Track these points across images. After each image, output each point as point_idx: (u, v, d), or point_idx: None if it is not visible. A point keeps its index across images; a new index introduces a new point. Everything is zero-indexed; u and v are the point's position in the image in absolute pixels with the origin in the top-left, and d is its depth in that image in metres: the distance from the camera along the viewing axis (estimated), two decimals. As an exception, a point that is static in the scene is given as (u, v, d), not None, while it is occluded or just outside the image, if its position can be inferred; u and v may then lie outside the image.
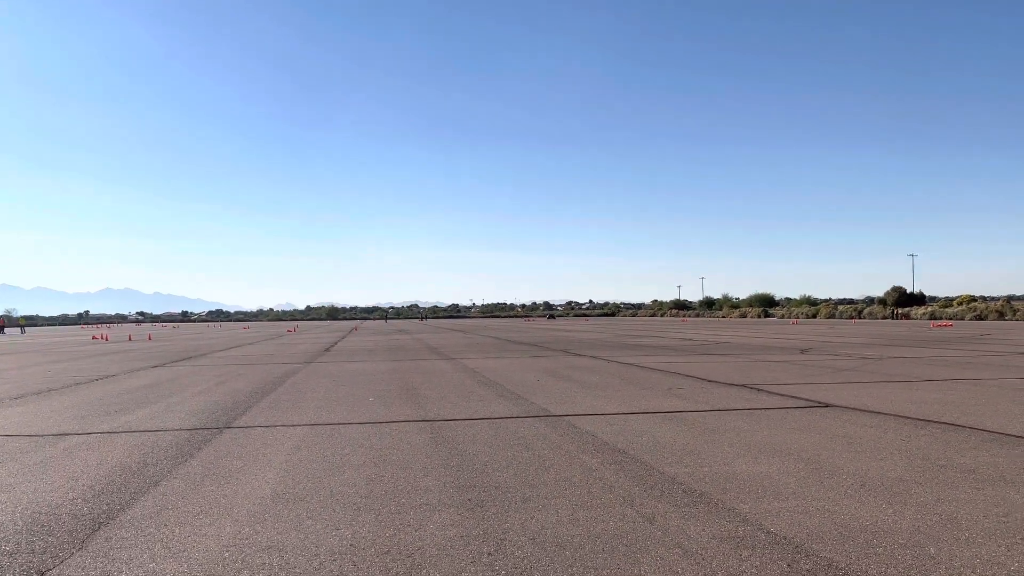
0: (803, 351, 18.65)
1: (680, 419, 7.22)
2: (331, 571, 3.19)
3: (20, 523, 3.96)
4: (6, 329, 75.84)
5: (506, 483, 4.70)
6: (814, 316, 79.42)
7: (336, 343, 27.37)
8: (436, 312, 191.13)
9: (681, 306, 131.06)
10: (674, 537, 3.57)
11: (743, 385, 10.31)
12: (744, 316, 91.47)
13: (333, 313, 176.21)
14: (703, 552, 3.35)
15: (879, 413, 7.51)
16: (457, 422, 7.22)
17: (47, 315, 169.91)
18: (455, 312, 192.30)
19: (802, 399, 8.67)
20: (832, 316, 76.97)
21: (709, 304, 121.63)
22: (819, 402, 8.38)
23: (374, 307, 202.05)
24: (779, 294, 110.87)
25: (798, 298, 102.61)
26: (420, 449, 5.87)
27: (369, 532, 3.72)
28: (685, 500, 4.23)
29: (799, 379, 11.18)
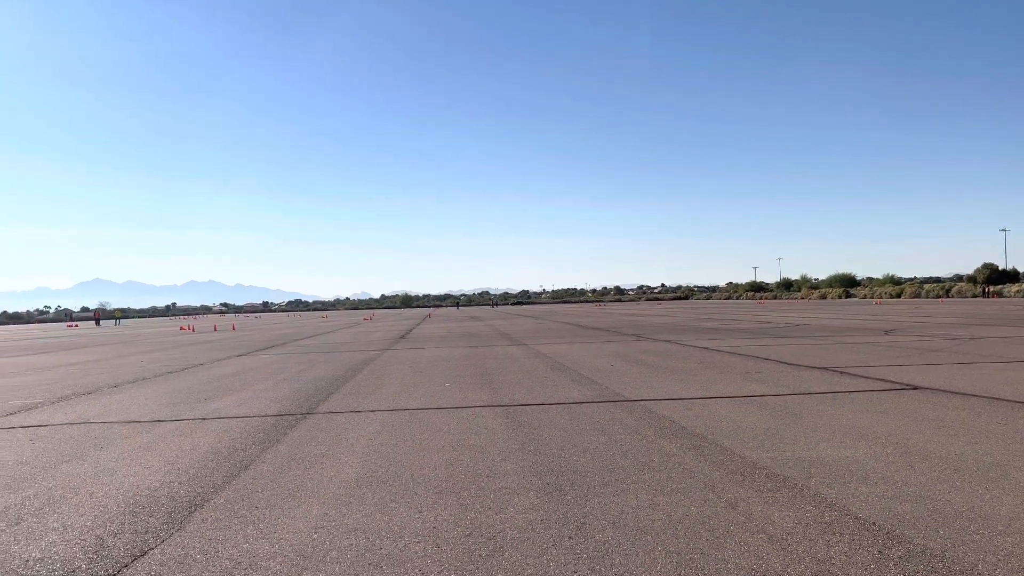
0: (887, 332, 18.01)
1: (761, 403, 7.08)
2: (416, 552, 3.26)
3: (123, 504, 4.18)
4: (101, 321, 79.93)
5: (584, 468, 4.70)
6: (898, 296, 76.50)
7: (411, 330, 27.81)
8: (506, 298, 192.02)
9: (757, 288, 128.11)
10: (758, 523, 3.50)
11: (825, 368, 10.02)
12: (824, 297, 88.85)
13: (407, 301, 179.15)
14: (788, 538, 3.29)
15: (971, 395, 7.19)
16: (532, 407, 7.25)
17: (138, 307, 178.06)
18: (525, 298, 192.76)
19: (888, 381, 8.37)
20: (917, 295, 74.03)
21: (787, 285, 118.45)
22: (907, 384, 8.08)
23: (446, 294, 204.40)
24: (861, 274, 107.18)
25: (881, 277, 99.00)
26: (497, 434, 5.92)
27: (451, 515, 3.78)
28: (768, 485, 4.15)
29: (884, 361, 10.80)
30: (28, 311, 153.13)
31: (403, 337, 22.55)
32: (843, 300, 78.45)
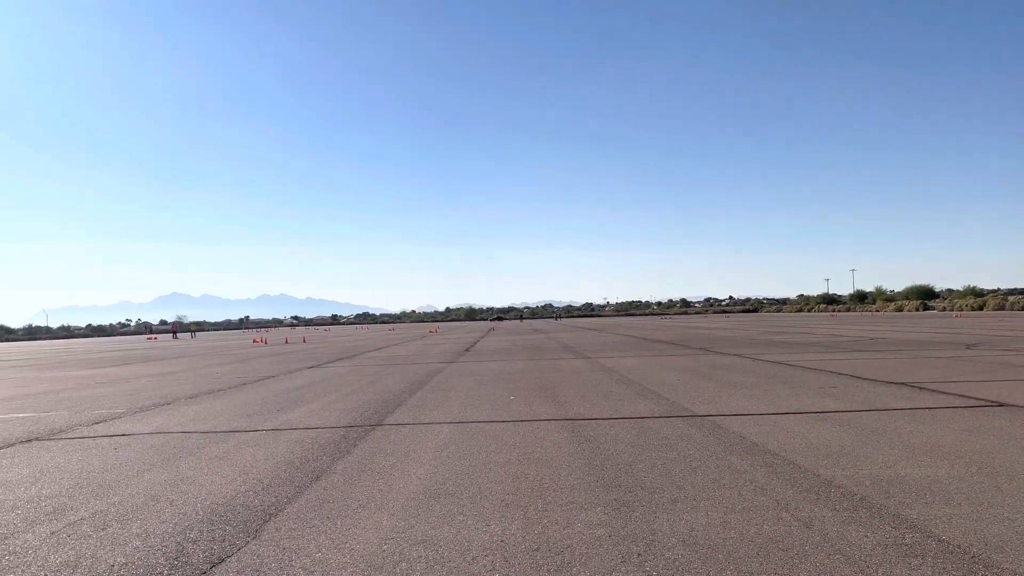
0: (969, 346, 17.25)
1: (835, 419, 6.87)
2: (484, 566, 3.27)
3: (201, 512, 4.32)
4: (179, 334, 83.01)
5: (652, 484, 4.64)
6: (980, 308, 73.19)
7: (475, 343, 27.97)
8: (570, 311, 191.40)
9: (830, 300, 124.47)
10: (834, 543, 3.40)
11: (903, 383, 9.66)
12: (900, 310, 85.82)
13: (471, 314, 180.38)
14: (867, 559, 3.18)
15: (1064, 413, 6.82)
16: (598, 421, 7.20)
17: (213, 320, 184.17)
18: (589, 311, 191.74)
19: (971, 398, 8.02)
20: (1001, 308, 70.71)
21: (860, 298, 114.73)
22: (991, 401, 7.73)
23: (509, 307, 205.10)
24: (939, 285, 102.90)
25: (961, 289, 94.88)
26: (563, 448, 5.90)
27: (518, 529, 3.78)
28: (845, 504, 4.02)
29: (966, 377, 10.35)
30: (111, 324, 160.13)
31: (467, 350, 22.69)
32: (920, 313, 75.61)
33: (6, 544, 3.84)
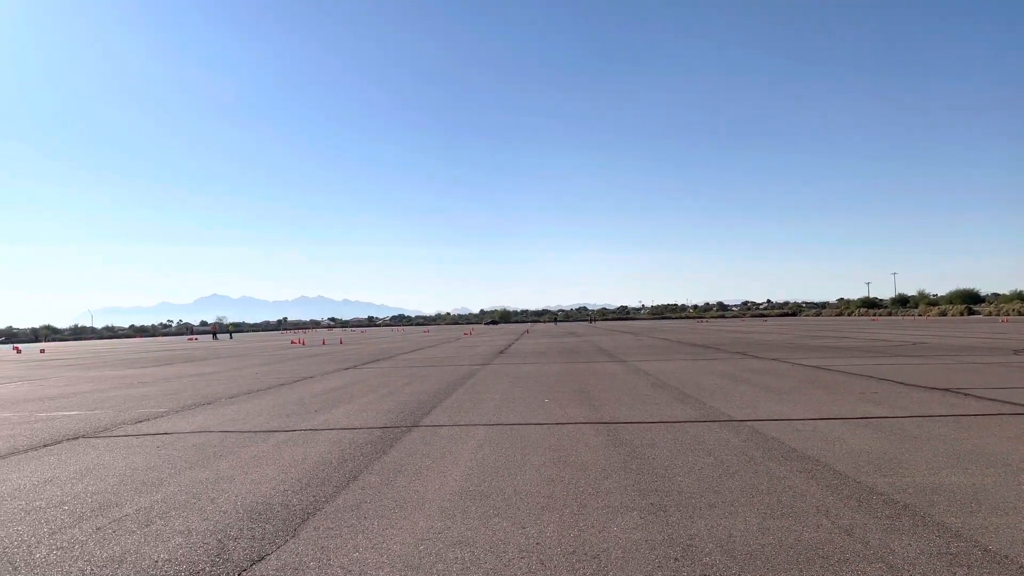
0: (1017, 352, 16.81)
1: (876, 425, 6.75)
2: (520, 569, 3.28)
3: (241, 511, 4.40)
4: (218, 335, 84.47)
5: (689, 488, 4.60)
6: (1028, 313, 71.29)
7: (510, 345, 27.98)
8: (605, 314, 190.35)
9: (870, 304, 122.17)
10: (876, 551, 3.34)
11: (947, 389, 9.45)
12: (944, 314, 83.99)
13: (505, 316, 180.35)
14: (911, 568, 3.12)
15: (1117, 422, 6.61)
16: (633, 425, 7.16)
17: (251, 322, 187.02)
18: (624, 314, 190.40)
19: (1018, 404, 7.81)
20: (1051, 312, 68.79)
21: (903, 302, 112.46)
22: (1040, 408, 7.52)
23: (543, 310, 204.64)
24: (984, 289, 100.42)
25: (1008, 293, 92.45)
26: (598, 451, 5.88)
27: (554, 532, 3.78)
28: (887, 512, 3.95)
29: (1013, 383, 10.08)
30: (153, 325, 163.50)
31: (502, 352, 22.72)
32: (965, 318, 73.82)
33: (54, 539, 3.95)
